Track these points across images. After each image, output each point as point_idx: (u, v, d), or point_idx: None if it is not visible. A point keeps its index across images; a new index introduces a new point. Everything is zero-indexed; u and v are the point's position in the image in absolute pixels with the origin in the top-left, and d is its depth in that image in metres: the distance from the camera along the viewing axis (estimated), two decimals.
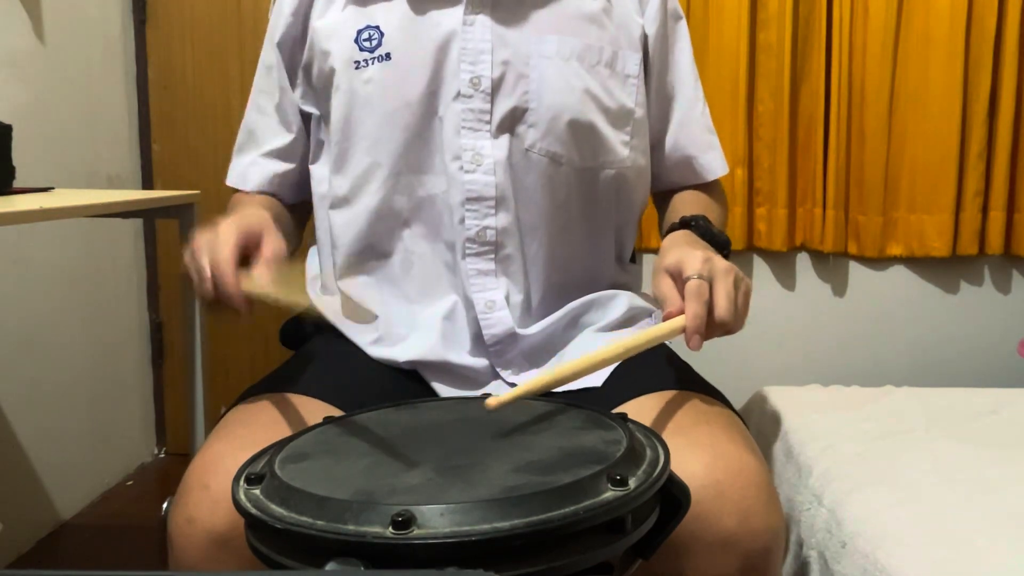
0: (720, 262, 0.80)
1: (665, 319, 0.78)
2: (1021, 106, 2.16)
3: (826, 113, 2.20)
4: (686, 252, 0.81)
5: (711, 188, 1.15)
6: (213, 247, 0.80)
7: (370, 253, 1.02)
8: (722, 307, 0.77)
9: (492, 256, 0.99)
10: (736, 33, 2.17)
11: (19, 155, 1.47)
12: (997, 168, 2.16)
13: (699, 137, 1.11)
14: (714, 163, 1.13)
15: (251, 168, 1.11)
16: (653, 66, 1.07)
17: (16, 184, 1.46)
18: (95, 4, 2.25)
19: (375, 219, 1.01)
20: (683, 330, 0.77)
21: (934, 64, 2.15)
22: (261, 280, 0.78)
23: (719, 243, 0.94)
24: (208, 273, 0.79)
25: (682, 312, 0.77)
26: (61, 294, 2.10)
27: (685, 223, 0.96)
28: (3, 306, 1.88)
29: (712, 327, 0.77)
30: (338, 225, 1.03)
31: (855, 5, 2.14)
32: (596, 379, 0.94)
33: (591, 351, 0.76)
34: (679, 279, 0.79)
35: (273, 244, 0.83)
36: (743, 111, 2.18)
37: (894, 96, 2.17)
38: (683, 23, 1.10)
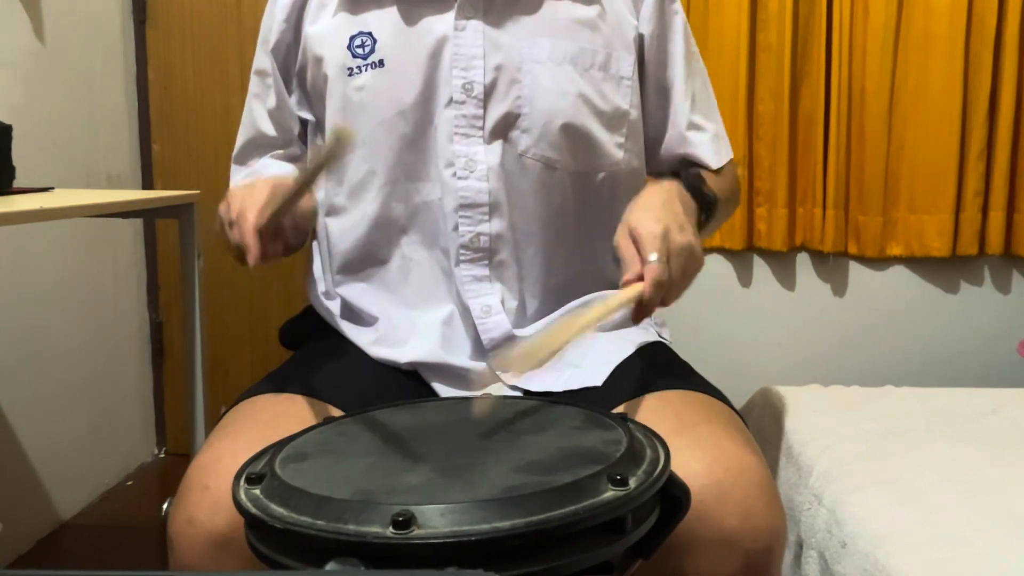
0: (677, 239, 0.81)
1: (623, 283, 0.80)
2: (1021, 106, 2.16)
3: (826, 113, 2.20)
4: (648, 221, 0.82)
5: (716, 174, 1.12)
6: (244, 198, 0.82)
7: (368, 260, 1.02)
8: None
9: (486, 262, 0.98)
10: (736, 33, 2.16)
11: (19, 155, 1.46)
12: (997, 168, 2.16)
13: (684, 135, 1.08)
14: (703, 157, 1.08)
15: (268, 167, 1.10)
16: (649, 66, 1.06)
17: (16, 184, 1.46)
18: (95, 4, 2.25)
19: (373, 227, 1.01)
20: (635, 302, 0.79)
21: (934, 64, 2.14)
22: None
23: (705, 200, 0.95)
24: (234, 217, 0.82)
25: (639, 280, 0.79)
26: (61, 294, 2.10)
27: (675, 173, 0.97)
28: (3, 306, 1.88)
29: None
30: (335, 232, 1.03)
31: (855, 5, 2.14)
32: (596, 378, 0.94)
33: (555, 332, 0.78)
34: (639, 250, 0.81)
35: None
36: (743, 111, 2.18)
37: (894, 96, 2.17)
38: (678, 18, 1.07)
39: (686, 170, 0.99)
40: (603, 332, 1.02)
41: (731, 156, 1.11)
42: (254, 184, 0.85)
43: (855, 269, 2.31)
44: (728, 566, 0.76)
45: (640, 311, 0.79)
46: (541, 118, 0.97)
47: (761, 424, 1.68)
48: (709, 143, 1.09)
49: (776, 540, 0.78)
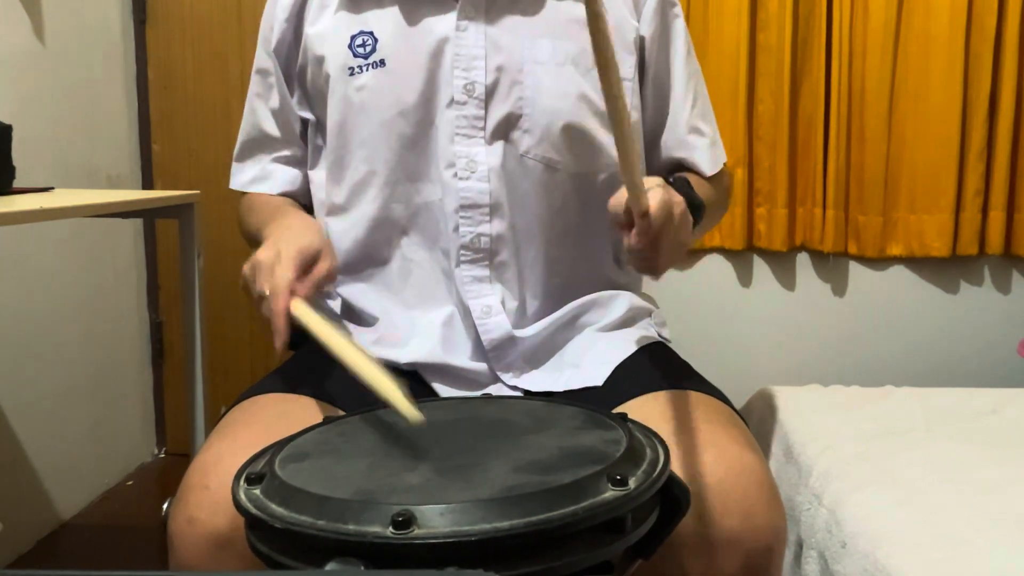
0: (676, 197, 0.81)
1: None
2: (1021, 106, 2.16)
3: (826, 113, 2.20)
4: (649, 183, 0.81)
5: (709, 179, 1.12)
6: (273, 272, 0.82)
7: (368, 260, 1.02)
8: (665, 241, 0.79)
9: (486, 263, 0.98)
10: (736, 33, 2.16)
11: (19, 155, 1.46)
12: (997, 168, 2.16)
13: (684, 138, 1.08)
14: (700, 162, 1.09)
15: (273, 171, 1.10)
16: (650, 68, 1.06)
17: (16, 184, 1.46)
18: (95, 4, 2.25)
19: (373, 227, 1.01)
20: (640, 215, 0.76)
21: (934, 64, 2.14)
22: (308, 312, 0.81)
23: (693, 204, 0.94)
24: (266, 295, 0.81)
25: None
26: (61, 294, 2.10)
27: (664, 179, 0.97)
28: (3, 306, 1.88)
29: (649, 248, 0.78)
30: (335, 232, 1.03)
31: (855, 5, 2.14)
32: (597, 378, 0.94)
33: None
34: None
35: (329, 265, 0.86)
36: (743, 111, 2.18)
37: (894, 96, 2.17)
38: (679, 21, 1.08)
39: (673, 175, 0.99)
40: (604, 332, 1.02)
41: (724, 161, 1.12)
42: (280, 253, 0.83)
43: (855, 269, 2.31)
44: (728, 566, 0.76)
45: (642, 236, 0.76)
46: (542, 119, 0.97)
47: (761, 424, 1.68)
48: (707, 149, 1.09)
49: (776, 540, 0.78)
